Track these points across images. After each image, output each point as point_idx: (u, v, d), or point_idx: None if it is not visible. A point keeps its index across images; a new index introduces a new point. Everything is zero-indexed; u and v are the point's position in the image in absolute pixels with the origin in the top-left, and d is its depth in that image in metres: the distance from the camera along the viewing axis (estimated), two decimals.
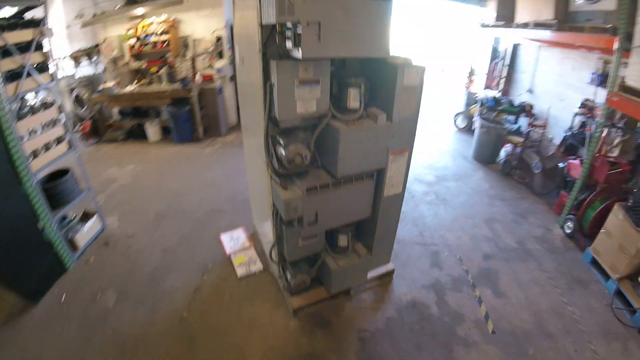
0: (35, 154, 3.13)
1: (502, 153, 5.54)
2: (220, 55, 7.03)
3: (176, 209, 4.62)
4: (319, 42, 2.02)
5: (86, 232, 3.70)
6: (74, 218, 3.76)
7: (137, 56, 7.22)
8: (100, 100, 6.62)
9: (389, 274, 3.53)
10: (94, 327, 2.92)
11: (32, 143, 3.14)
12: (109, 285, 3.32)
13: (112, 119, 7.10)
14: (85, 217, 3.87)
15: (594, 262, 3.62)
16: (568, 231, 4.13)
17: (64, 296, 3.15)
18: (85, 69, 7.16)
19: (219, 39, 6.91)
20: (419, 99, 2.51)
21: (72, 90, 6.84)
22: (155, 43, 7.00)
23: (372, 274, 3.36)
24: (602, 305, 3.23)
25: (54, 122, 3.38)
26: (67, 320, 2.94)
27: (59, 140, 3.42)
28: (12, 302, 3.01)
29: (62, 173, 3.62)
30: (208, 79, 7.06)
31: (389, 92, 2.42)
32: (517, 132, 5.66)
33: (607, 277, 3.41)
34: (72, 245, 3.52)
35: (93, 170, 5.44)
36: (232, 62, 6.94)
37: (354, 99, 2.44)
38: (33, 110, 3.16)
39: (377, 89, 2.55)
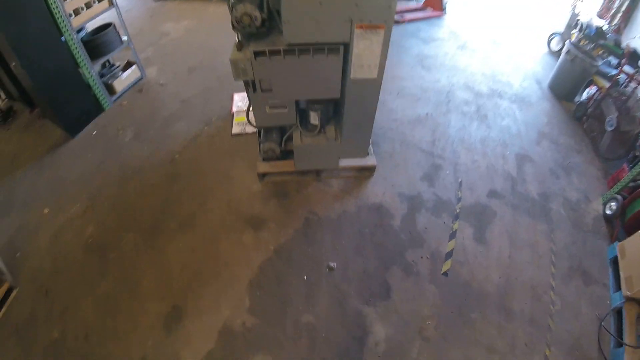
0: (76, 12, 3.51)
1: (585, 94, 4.06)
2: None
3: (208, 64, 4.84)
4: None
5: (124, 79, 4.27)
6: (117, 66, 4.31)
7: None
8: None
9: (369, 170, 3.33)
10: (109, 156, 3.64)
11: (73, 3, 3.49)
12: (131, 124, 3.95)
13: None
14: (129, 65, 4.38)
15: (614, 263, 2.70)
16: (608, 212, 3.08)
17: (95, 132, 3.89)
18: None
19: None
20: None
21: None
22: None
23: (347, 163, 3.24)
24: (591, 315, 2.51)
25: None
26: (92, 151, 3.70)
27: None
28: (57, 135, 3.84)
29: (107, 27, 4.01)
30: None
31: None
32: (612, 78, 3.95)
33: (618, 287, 2.58)
34: (111, 89, 4.14)
35: (152, 24, 5.87)
36: None
37: None
38: None
39: None
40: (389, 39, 2.24)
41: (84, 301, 2.61)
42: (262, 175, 3.29)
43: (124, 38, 4.11)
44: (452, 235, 2.93)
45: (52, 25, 3.33)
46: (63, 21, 3.37)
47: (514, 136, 3.82)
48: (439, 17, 5.67)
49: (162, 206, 3.17)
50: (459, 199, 3.18)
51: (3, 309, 2.53)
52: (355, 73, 2.41)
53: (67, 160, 3.60)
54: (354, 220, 3.03)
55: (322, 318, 2.50)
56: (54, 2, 3.25)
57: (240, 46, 2.39)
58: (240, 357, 2.34)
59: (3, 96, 3.94)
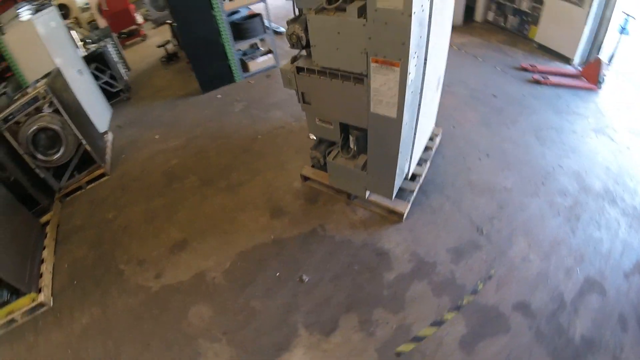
0: None
1: None
2: None
3: None
4: None
5: (259, 63, 5.26)
6: (259, 50, 5.33)
7: None
8: None
9: (397, 216, 3.14)
10: (217, 116, 4.65)
11: None
12: (246, 100, 4.89)
13: None
14: (269, 53, 5.35)
15: None
16: None
17: (219, 95, 4.99)
18: None
19: None
20: None
21: None
22: None
23: (376, 199, 3.17)
24: None
25: None
26: (209, 108, 4.80)
27: None
28: (194, 87, 5.10)
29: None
30: None
31: None
32: None
33: None
34: (245, 67, 5.18)
35: None
36: None
37: None
38: None
39: None
40: (406, 79, 2.13)
41: (140, 206, 3.62)
42: (305, 178, 3.58)
43: (278, 29, 5.07)
44: (437, 323, 2.49)
45: (207, 4, 4.45)
46: (217, 3, 4.46)
47: (599, 255, 2.80)
48: (590, 90, 4.41)
49: (225, 168, 3.92)
50: (475, 291, 2.64)
51: (92, 185, 3.84)
52: (374, 107, 2.40)
53: (190, 108, 4.85)
54: (352, 253, 2.97)
55: (265, 312, 2.67)
56: None
57: (293, 60, 2.73)
58: (193, 298, 2.83)
59: (175, 43, 5.56)
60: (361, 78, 2.35)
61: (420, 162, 3.47)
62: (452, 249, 2.92)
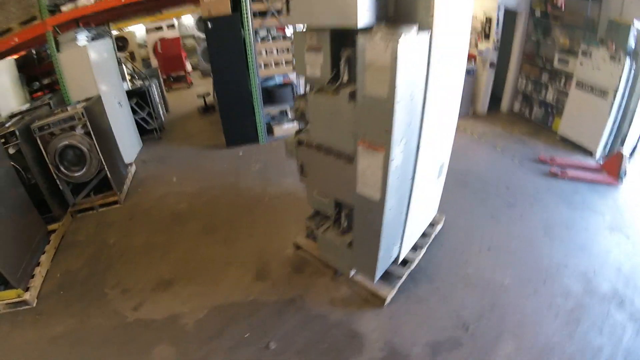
0: (266, 65, 5.17)
1: None
2: (486, 36, 6.13)
3: None
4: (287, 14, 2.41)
5: (284, 129, 5.66)
6: (288, 117, 5.77)
7: None
8: None
9: (379, 300, 3.02)
10: (234, 172, 4.98)
11: (264, 58, 5.16)
12: (264, 161, 5.22)
13: None
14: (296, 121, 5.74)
15: None
16: None
17: (241, 152, 5.39)
18: None
19: (488, 19, 5.98)
20: (392, 81, 1.95)
21: None
22: None
23: (361, 279, 3.12)
24: None
25: (287, 50, 5.25)
26: (228, 163, 5.18)
27: (286, 62, 5.30)
28: (220, 140, 5.54)
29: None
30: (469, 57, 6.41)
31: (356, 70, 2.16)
32: None
33: None
34: (271, 131, 5.61)
35: None
36: (497, 47, 5.99)
37: (342, 68, 2.36)
38: (273, 38, 5.15)
39: None
40: (389, 165, 2.23)
41: (140, 238, 3.85)
42: (297, 246, 3.61)
43: None
44: None
45: (245, 67, 4.96)
46: (253, 67, 4.98)
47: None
48: (610, 185, 4.25)
49: (227, 221, 4.11)
50: None
51: (104, 209, 4.19)
52: (360, 188, 2.50)
53: (211, 159, 5.27)
54: (325, 330, 2.85)
55: None
56: (251, 52, 4.90)
57: (297, 132, 2.98)
58: (161, 338, 2.84)
59: (213, 96, 6.15)
60: (351, 158, 2.49)
61: (415, 248, 3.40)
62: (430, 344, 2.71)
